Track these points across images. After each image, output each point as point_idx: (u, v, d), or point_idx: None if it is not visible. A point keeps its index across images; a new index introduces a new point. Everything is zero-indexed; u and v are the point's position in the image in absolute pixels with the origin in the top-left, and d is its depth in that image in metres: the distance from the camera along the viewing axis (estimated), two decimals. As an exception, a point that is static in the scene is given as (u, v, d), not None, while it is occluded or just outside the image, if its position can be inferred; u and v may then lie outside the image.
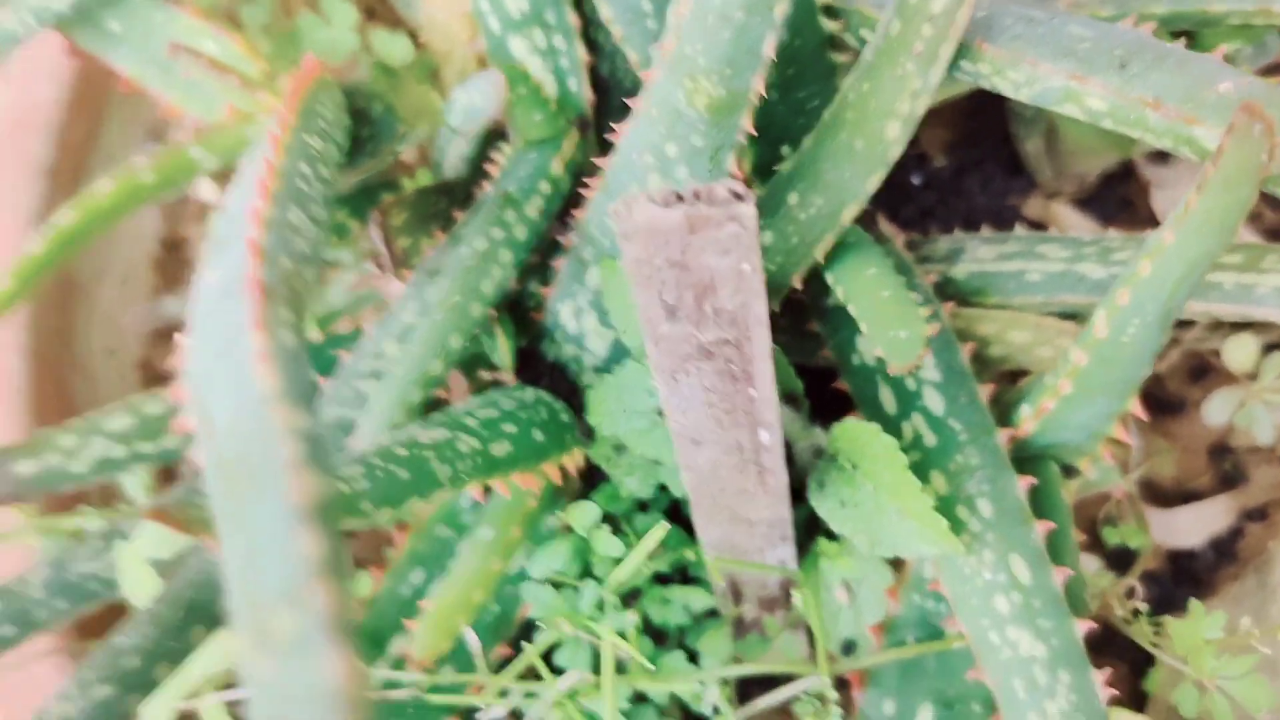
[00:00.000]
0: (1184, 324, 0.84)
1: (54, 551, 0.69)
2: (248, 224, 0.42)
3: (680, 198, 0.43)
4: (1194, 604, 0.60)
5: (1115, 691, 0.56)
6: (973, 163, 0.88)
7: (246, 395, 0.33)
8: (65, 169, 0.87)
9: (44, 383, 0.81)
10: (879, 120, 0.56)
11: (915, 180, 0.89)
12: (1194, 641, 0.58)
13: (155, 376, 0.90)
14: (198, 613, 0.58)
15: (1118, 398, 0.59)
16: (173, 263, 0.94)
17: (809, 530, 0.68)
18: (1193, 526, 0.81)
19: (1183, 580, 0.81)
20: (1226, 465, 0.83)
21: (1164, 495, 0.82)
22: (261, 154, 0.50)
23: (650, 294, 0.47)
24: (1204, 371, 0.84)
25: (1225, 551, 0.81)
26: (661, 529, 0.62)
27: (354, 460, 0.50)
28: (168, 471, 0.84)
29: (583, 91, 0.73)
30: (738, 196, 0.42)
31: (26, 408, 0.79)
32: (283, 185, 0.47)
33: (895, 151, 0.58)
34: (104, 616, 0.71)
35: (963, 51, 0.55)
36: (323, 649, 0.26)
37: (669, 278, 0.46)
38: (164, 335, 0.92)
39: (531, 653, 0.61)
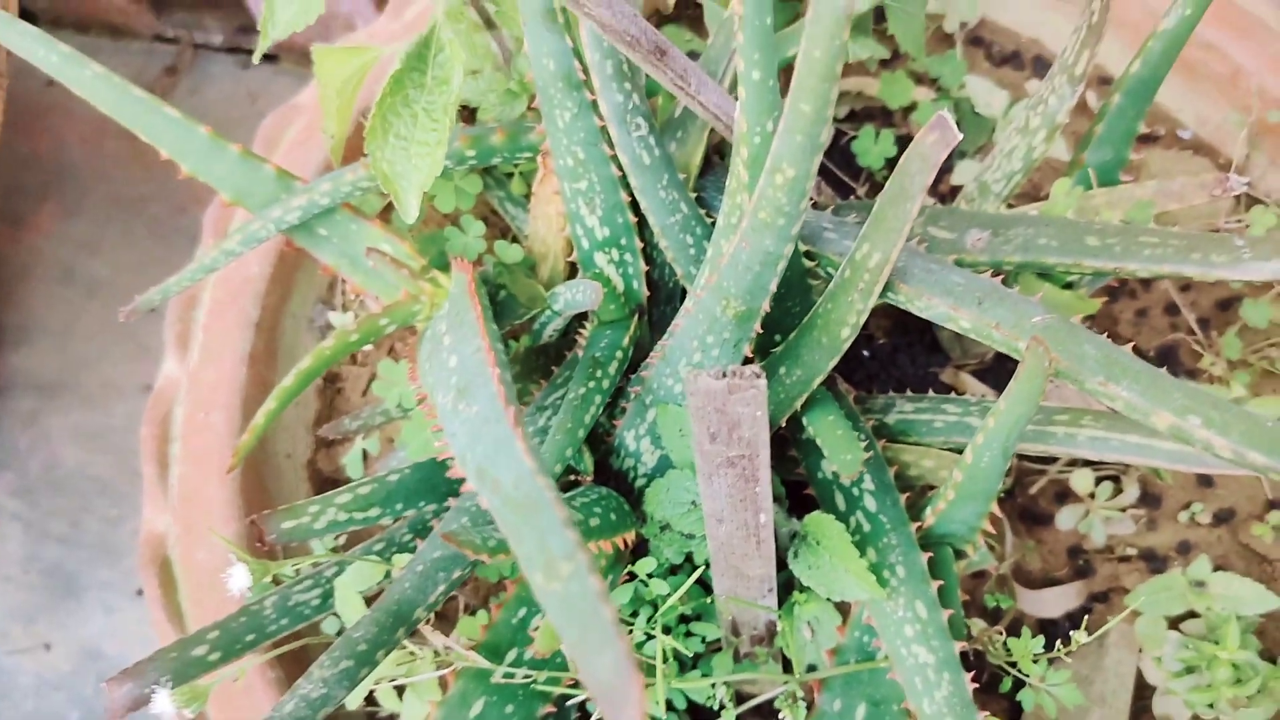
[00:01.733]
0: (1050, 460, 1.19)
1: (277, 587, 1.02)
2: (491, 382, 0.76)
3: (725, 374, 0.78)
4: (1025, 630, 0.94)
5: (978, 686, 0.89)
6: (905, 343, 1.25)
7: (522, 470, 0.67)
8: (265, 323, 1.21)
9: (249, 473, 1.15)
10: (836, 327, 0.92)
11: (865, 353, 1.25)
12: (1024, 653, 0.92)
13: (317, 474, 1.24)
14: (400, 620, 0.91)
15: (983, 502, 0.93)
16: (329, 391, 1.28)
17: (787, 588, 1.01)
18: (1054, 603, 1.15)
19: (1048, 642, 1.14)
20: (1080, 562, 1.17)
21: (1034, 581, 1.16)
22: (470, 333, 0.85)
23: (702, 426, 0.81)
24: (1065, 495, 1.19)
25: (1077, 622, 1.14)
26: (696, 573, 0.95)
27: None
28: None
29: (642, 290, 1.09)
30: (758, 376, 0.77)
31: (238, 489, 1.13)
32: (496, 356, 0.81)
33: (846, 345, 0.93)
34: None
35: (888, 287, 0.91)
36: (588, 577, 0.59)
37: (714, 418, 0.80)
38: (323, 445, 1.26)
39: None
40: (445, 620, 1.15)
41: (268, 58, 2.06)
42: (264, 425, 0.96)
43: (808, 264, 1.00)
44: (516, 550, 0.64)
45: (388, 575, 1.00)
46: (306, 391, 1.27)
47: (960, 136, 0.78)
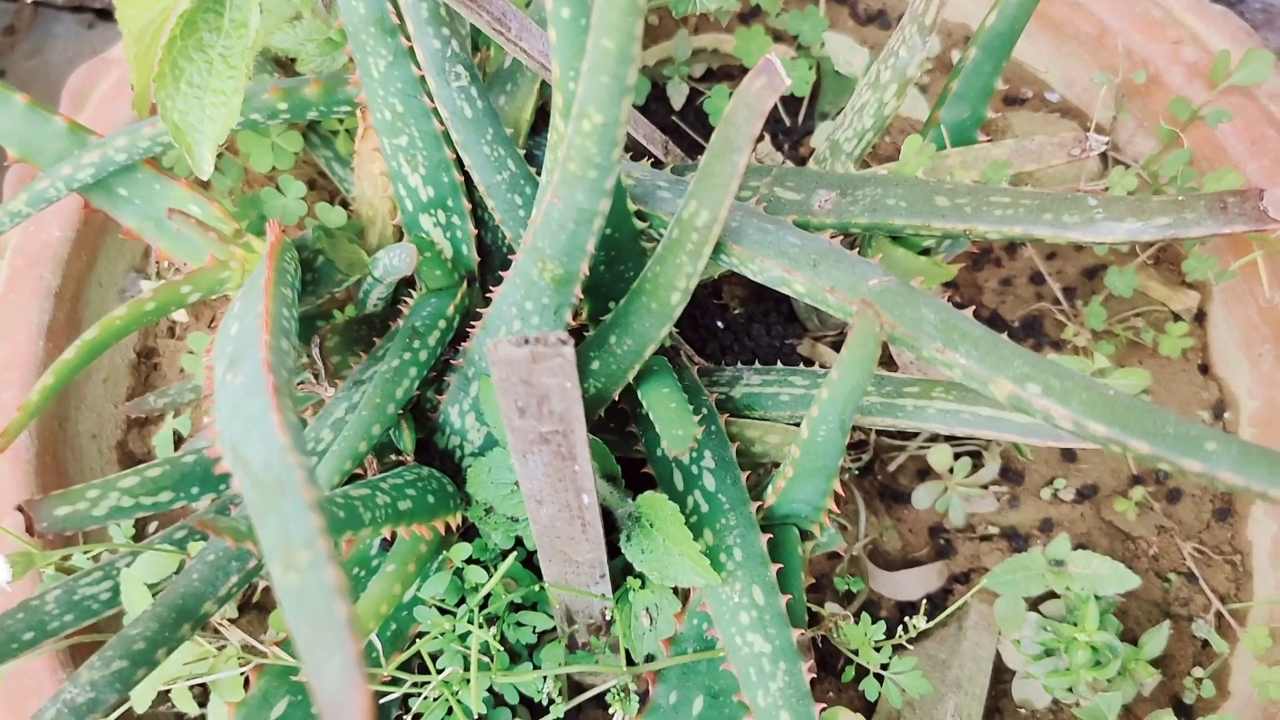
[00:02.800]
0: (909, 436, 1.14)
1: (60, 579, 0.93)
2: (260, 349, 0.68)
3: (528, 340, 0.70)
4: (864, 616, 0.88)
5: (814, 675, 0.83)
6: (760, 313, 1.18)
7: (273, 447, 0.59)
8: (68, 292, 1.12)
9: (44, 455, 1.05)
10: (666, 291, 0.85)
11: (719, 324, 1.18)
12: (862, 640, 0.86)
13: (128, 455, 1.15)
14: (185, 614, 0.82)
15: (825, 479, 0.87)
16: (145, 367, 1.19)
17: (625, 573, 0.95)
18: (913, 585, 1.09)
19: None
20: (941, 541, 1.12)
21: (893, 562, 1.11)
22: (256, 301, 0.76)
23: (509, 400, 0.74)
24: (926, 472, 1.13)
25: (938, 605, 1.09)
26: (513, 558, 0.88)
27: (309, 504, 0.76)
28: (140, 526, 1.08)
29: (472, 254, 1.01)
30: (563, 342, 0.70)
31: (33, 472, 1.03)
32: (275, 323, 0.73)
33: (678, 311, 0.86)
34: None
35: (720, 248, 0.85)
36: (326, 567, 0.52)
37: (520, 390, 0.73)
38: (135, 424, 1.16)
39: (420, 645, 0.87)
40: (264, 611, 1.06)
41: (113, 16, 1.94)
42: (39, 403, 0.87)
43: (640, 225, 0.93)
44: (260, 537, 0.56)
45: (183, 565, 0.91)
46: (118, 367, 1.17)
47: (789, 82, 0.72)
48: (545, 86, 1.03)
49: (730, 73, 1.31)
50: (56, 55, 1.92)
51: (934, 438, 1.12)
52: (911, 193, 0.91)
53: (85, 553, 0.94)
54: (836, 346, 1.17)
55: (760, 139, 1.27)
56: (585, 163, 0.73)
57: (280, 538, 0.54)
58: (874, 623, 0.93)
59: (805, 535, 0.94)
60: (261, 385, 0.64)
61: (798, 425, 0.97)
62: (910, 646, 0.91)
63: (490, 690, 0.97)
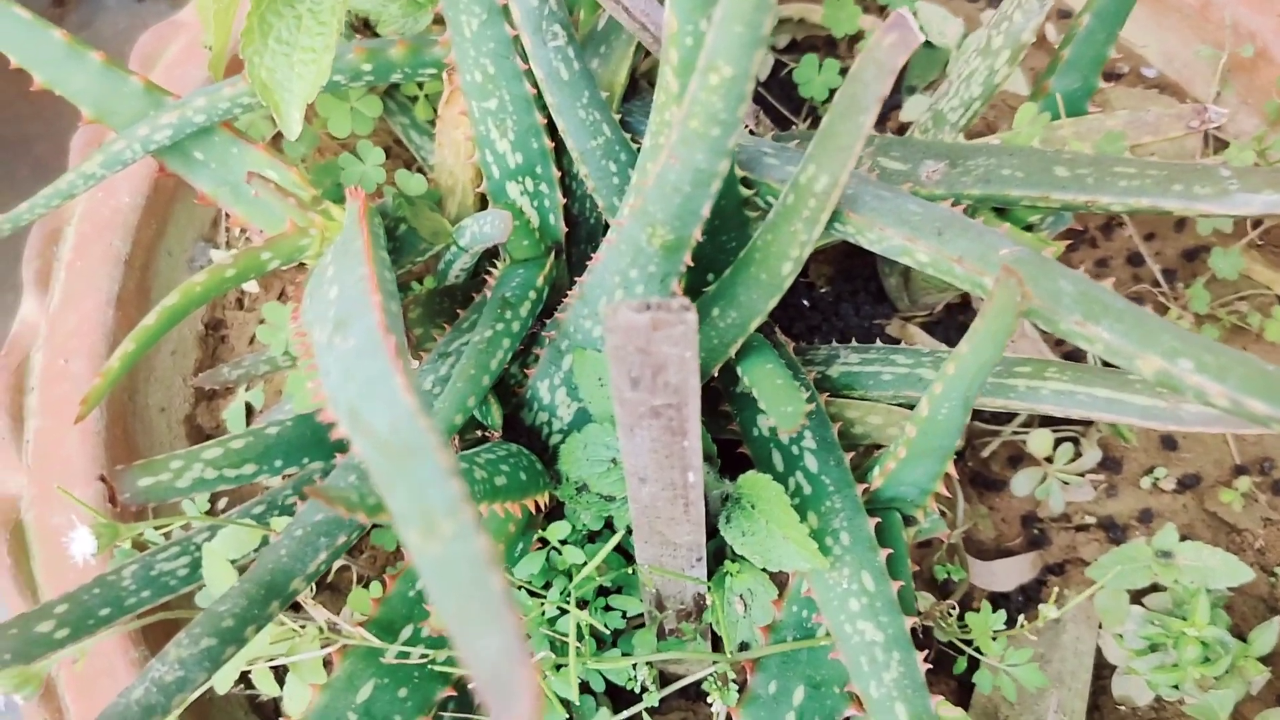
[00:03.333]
0: (1003, 420, 1.10)
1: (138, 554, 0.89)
2: (372, 310, 0.64)
3: (648, 306, 0.67)
4: (984, 604, 0.84)
5: (930, 667, 0.80)
6: (849, 292, 1.14)
7: (400, 411, 0.55)
8: (137, 260, 1.08)
9: (114, 428, 1.02)
10: (777, 261, 0.81)
11: (805, 303, 1.14)
12: (983, 630, 0.82)
13: (196, 429, 1.11)
14: (274, 591, 0.79)
15: (938, 461, 0.83)
16: (213, 339, 1.15)
17: (718, 558, 0.91)
18: (1007, 576, 1.05)
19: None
20: (1034, 531, 1.08)
21: (986, 551, 1.07)
22: (356, 264, 0.73)
23: (622, 370, 0.70)
24: (1019, 459, 1.09)
25: (1031, 596, 1.05)
26: (614, 538, 0.84)
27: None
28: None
29: (559, 225, 0.97)
30: (686, 309, 0.66)
31: (102, 445, 1.00)
32: (381, 284, 0.69)
33: (788, 283, 0.82)
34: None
35: (836, 216, 0.81)
36: (475, 537, 0.48)
37: (635, 360, 0.69)
38: (204, 397, 1.13)
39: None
40: (337, 593, 1.03)
41: (166, -10, 1.91)
42: (119, 371, 0.83)
43: (745, 193, 0.89)
44: (390, 505, 0.52)
45: (265, 541, 0.88)
46: (186, 339, 1.14)
47: (922, 38, 0.68)
48: (639, 50, 0.99)
49: (815, 44, 1.27)
50: (107, 28, 1.89)
51: (1028, 422, 1.08)
52: (1029, 162, 0.87)
53: (159, 528, 0.91)
54: (927, 327, 1.13)
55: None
56: (709, 119, 0.69)
57: (416, 505, 0.51)
58: (973, 614, 0.89)
59: (907, 521, 0.90)
60: (379, 347, 0.61)
61: (901, 405, 0.93)
62: (1029, 636, 0.87)
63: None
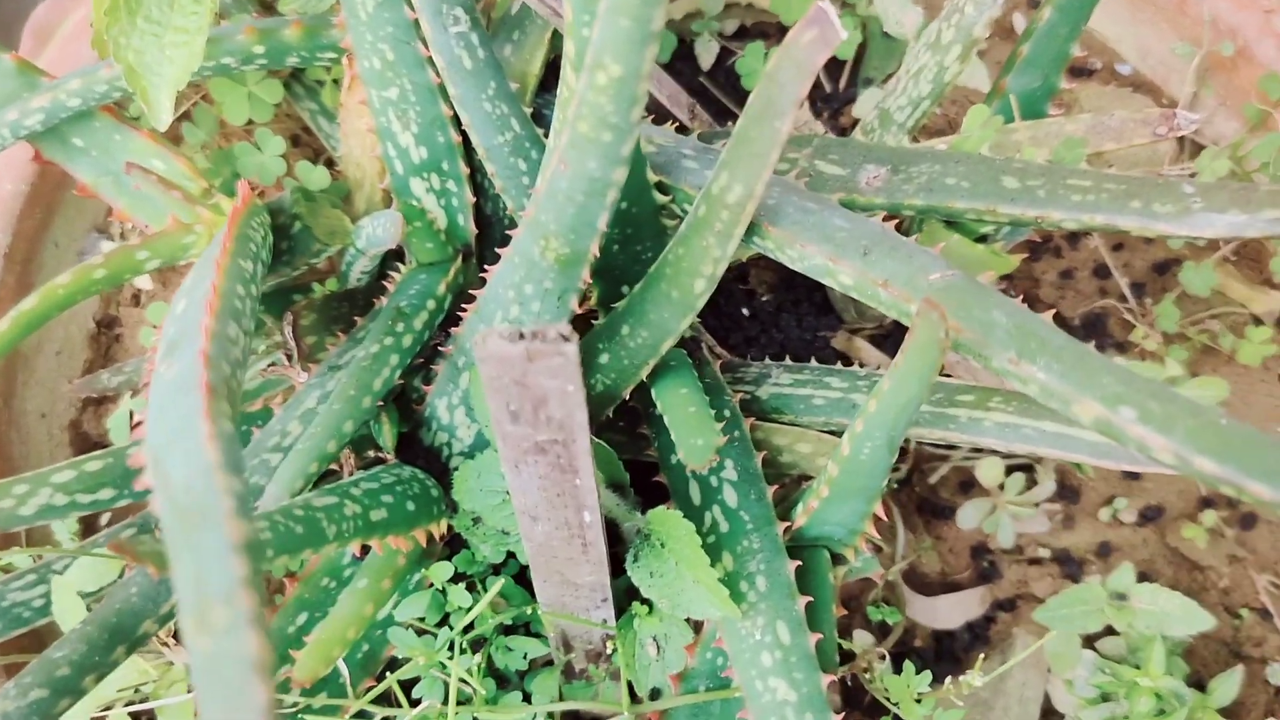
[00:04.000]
0: (954, 444, 1.02)
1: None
2: (199, 336, 0.56)
3: (523, 335, 0.59)
4: (906, 664, 0.76)
5: (845, 711, 0.72)
6: (791, 302, 1.06)
7: (197, 464, 0.47)
8: (19, 252, 1.00)
9: (-13, 437, 0.94)
10: (689, 278, 0.73)
11: (745, 312, 1.06)
12: (904, 693, 0.74)
13: (81, 437, 1.03)
14: (120, 635, 0.71)
15: (864, 501, 0.75)
16: (106, 339, 1.07)
17: (630, 596, 0.83)
18: (952, 612, 0.98)
19: (943, 657, 0.97)
20: (985, 563, 1.00)
21: (931, 585, 0.99)
22: (207, 276, 0.65)
23: (499, 402, 0.62)
24: (970, 485, 1.01)
25: (979, 634, 0.98)
26: (501, 581, 0.77)
27: (261, 517, 0.65)
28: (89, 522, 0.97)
29: (469, 226, 0.89)
30: (564, 338, 0.58)
31: (-30, 458, 0.92)
32: (224, 304, 0.61)
33: (701, 301, 0.74)
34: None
35: (753, 229, 0.72)
36: (246, 632, 0.40)
37: (513, 392, 0.61)
38: (91, 403, 1.04)
39: (391, 680, 0.75)
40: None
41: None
42: (-38, 382, 0.75)
43: (661, 199, 0.80)
44: (175, 579, 0.44)
45: (123, 573, 0.80)
46: (74, 338, 1.06)
47: (844, 35, 0.60)
48: (557, 37, 0.90)
49: (766, 30, 1.18)
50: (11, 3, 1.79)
51: (980, 447, 1.00)
52: (975, 171, 0.78)
53: (21, 554, 0.83)
54: (876, 341, 1.04)
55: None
56: (599, 123, 0.61)
57: (195, 585, 0.43)
58: (910, 658, 0.81)
59: (836, 559, 0.83)
60: (195, 381, 0.53)
61: (832, 433, 0.86)
62: (967, 690, 0.79)
63: (475, 721, 0.86)
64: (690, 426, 0.76)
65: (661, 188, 0.80)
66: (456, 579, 0.82)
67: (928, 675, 0.76)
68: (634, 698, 0.81)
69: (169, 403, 0.54)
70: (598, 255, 0.71)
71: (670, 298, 0.75)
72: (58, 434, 1.02)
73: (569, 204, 0.67)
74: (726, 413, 0.83)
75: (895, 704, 0.76)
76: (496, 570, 0.87)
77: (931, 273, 0.67)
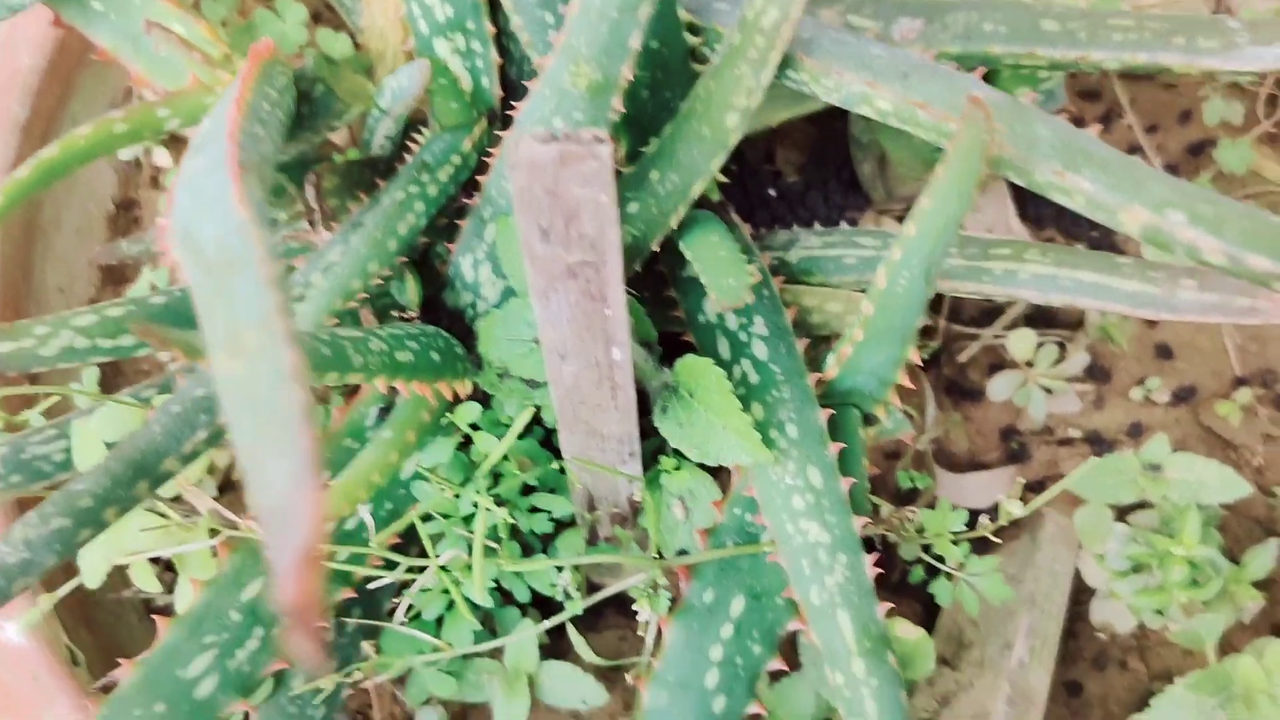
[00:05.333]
0: (985, 321, 1.00)
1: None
2: (228, 126, 0.55)
3: (556, 137, 0.57)
4: (942, 500, 0.75)
5: (880, 570, 0.71)
6: (819, 181, 1.04)
7: (230, 222, 0.46)
8: (37, 128, 0.99)
9: (4, 309, 0.93)
10: (721, 111, 0.71)
11: (771, 192, 1.04)
12: (940, 530, 0.73)
13: (101, 314, 1.02)
14: (142, 471, 0.70)
15: (899, 344, 0.74)
16: (124, 220, 1.06)
17: (657, 457, 0.82)
18: (981, 491, 0.96)
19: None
20: (1014, 444, 0.99)
21: (958, 464, 0.98)
22: (231, 91, 0.63)
23: (529, 219, 0.61)
24: (999, 366, 1.00)
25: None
26: (529, 411, 0.75)
27: (287, 336, 0.63)
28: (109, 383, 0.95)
29: (493, 88, 0.87)
30: (599, 140, 0.57)
31: (-11, 327, 0.91)
32: (250, 110, 0.60)
33: (734, 138, 0.73)
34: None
35: (788, 62, 0.71)
36: (283, 348, 0.39)
37: (544, 204, 0.59)
38: (110, 280, 1.03)
39: (413, 518, 0.74)
40: (239, 492, 0.94)
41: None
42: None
43: (692, 41, 0.79)
44: (208, 331, 0.43)
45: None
46: (93, 217, 1.05)
47: None
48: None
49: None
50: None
51: (1011, 325, 0.99)
52: (1013, 16, 0.77)
53: (33, 407, 0.82)
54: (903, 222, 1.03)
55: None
56: (634, -75, 0.60)
57: (226, 321, 0.42)
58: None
59: (868, 420, 0.81)
60: (224, 160, 0.52)
61: (863, 292, 0.84)
62: (996, 544, 0.78)
63: (499, 587, 0.84)
64: (722, 268, 0.74)
65: (692, 29, 0.79)
66: (478, 429, 0.80)
67: (964, 514, 0.74)
68: (661, 556, 0.79)
69: (198, 186, 0.53)
70: (627, 96, 0.70)
71: (702, 135, 0.73)
72: (78, 309, 1.01)
73: (602, 21, 0.65)
74: (754, 265, 0.82)
75: (927, 549, 0.75)
76: (521, 435, 0.85)
77: (972, 94, 0.66)
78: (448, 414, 0.81)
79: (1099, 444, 0.97)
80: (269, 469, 0.36)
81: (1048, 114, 0.64)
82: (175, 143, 1.08)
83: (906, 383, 0.77)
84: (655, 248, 0.80)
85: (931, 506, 0.92)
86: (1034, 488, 0.97)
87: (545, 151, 0.56)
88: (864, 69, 0.69)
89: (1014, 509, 0.72)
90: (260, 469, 0.36)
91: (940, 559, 0.75)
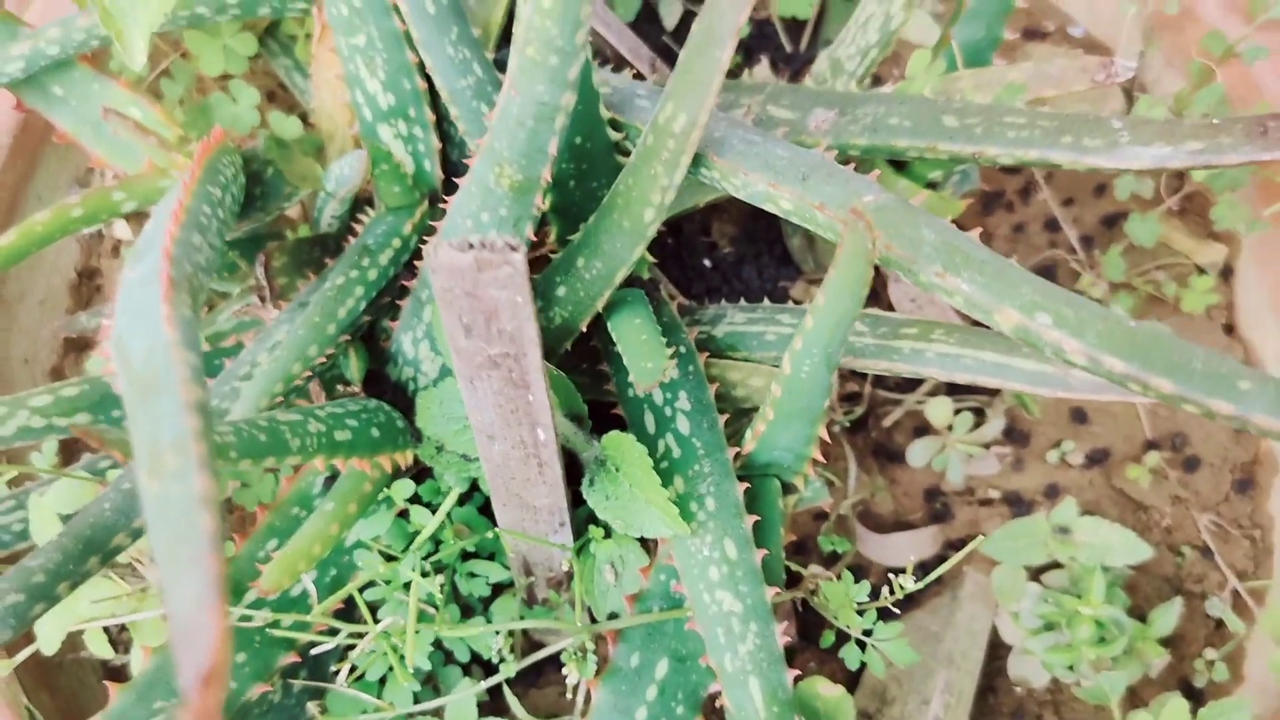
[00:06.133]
0: (908, 387, 1.05)
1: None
2: (163, 238, 0.60)
3: (472, 245, 0.62)
4: (845, 573, 0.79)
5: (789, 639, 0.75)
6: (752, 254, 1.09)
7: (156, 340, 0.51)
8: (1, 204, 1.03)
9: (-32, 380, 0.97)
10: (639, 206, 0.76)
11: (707, 263, 1.09)
12: (842, 600, 0.78)
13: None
14: (93, 547, 0.74)
15: (808, 424, 0.79)
16: (87, 289, 1.10)
17: (589, 524, 0.86)
18: (905, 550, 1.01)
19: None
20: (937, 505, 1.04)
21: (884, 525, 1.02)
22: (174, 193, 0.68)
23: (452, 316, 0.65)
24: (923, 430, 1.04)
25: (931, 572, 1.01)
26: (457, 491, 0.80)
27: (227, 425, 0.68)
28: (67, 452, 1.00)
29: (435, 171, 0.92)
30: (511, 248, 0.61)
31: (-47, 398, 0.95)
32: (189, 217, 0.65)
33: (651, 230, 0.77)
34: None
35: (699, 160, 0.76)
36: (195, 474, 0.43)
37: (465, 304, 0.64)
38: (73, 347, 1.08)
39: (352, 589, 0.78)
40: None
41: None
42: (-57, 309, 0.79)
43: (615, 137, 0.84)
44: (134, 443, 0.47)
45: (100, 496, 0.83)
46: (56, 288, 1.09)
47: (779, -35, 0.63)
48: (520, -12, 0.94)
49: (729, -5, 1.22)
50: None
51: (933, 392, 1.04)
52: (917, 111, 0.82)
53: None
54: (832, 291, 1.08)
55: (758, 63, 1.18)
56: (545, 47, 0.65)
57: (149, 439, 0.46)
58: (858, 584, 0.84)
59: (788, 488, 0.86)
60: (156, 274, 0.56)
61: (783, 367, 0.89)
62: (899, 613, 0.82)
63: (440, 647, 0.89)
64: (641, 351, 0.79)
65: (615, 125, 0.84)
66: (417, 502, 0.85)
67: (866, 586, 0.79)
68: (591, 620, 0.84)
69: (133, 296, 0.57)
70: (554, 191, 0.74)
71: (622, 227, 0.78)
72: (41, 379, 1.05)
73: (520, 129, 0.70)
74: (682, 349, 0.87)
75: (835, 616, 0.80)
76: (461, 502, 0.90)
77: (865, 195, 0.71)
78: (387, 486, 0.85)
79: (1018, 504, 1.02)
80: (179, 587, 0.40)
81: (931, 216, 0.68)
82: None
83: (818, 456, 0.81)
84: (584, 328, 0.84)
85: (853, 569, 0.97)
86: (956, 545, 1.02)
87: (463, 258, 0.61)
88: (768, 170, 0.74)
89: (909, 585, 0.76)
90: (172, 585, 0.40)
91: (846, 625, 0.80)
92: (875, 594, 0.79)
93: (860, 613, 0.80)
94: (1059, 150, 0.77)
